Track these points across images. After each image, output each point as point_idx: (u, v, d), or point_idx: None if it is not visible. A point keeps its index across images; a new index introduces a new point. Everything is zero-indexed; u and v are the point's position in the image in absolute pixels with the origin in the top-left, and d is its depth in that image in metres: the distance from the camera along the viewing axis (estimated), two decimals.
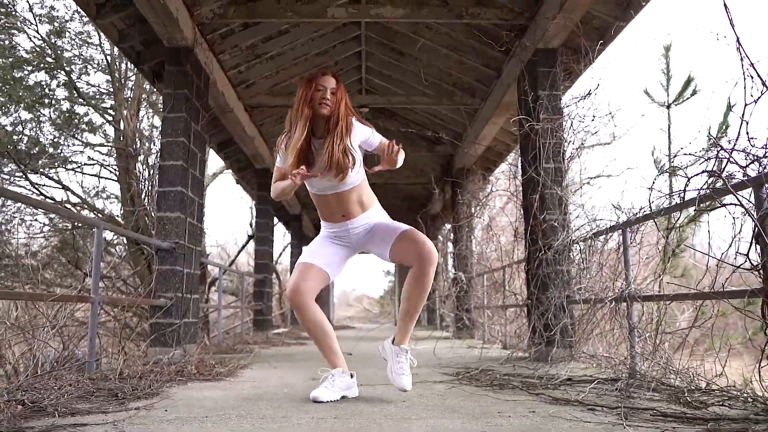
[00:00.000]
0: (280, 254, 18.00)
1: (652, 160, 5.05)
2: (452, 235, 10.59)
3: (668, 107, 5.27)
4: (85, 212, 7.24)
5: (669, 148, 5.11)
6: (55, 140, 7.37)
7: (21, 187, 6.77)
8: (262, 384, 3.44)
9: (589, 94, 4.89)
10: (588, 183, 5.10)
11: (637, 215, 3.63)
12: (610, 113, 4.78)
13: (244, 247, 14.94)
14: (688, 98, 5.11)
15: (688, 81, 5.09)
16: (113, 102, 7.56)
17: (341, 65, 7.95)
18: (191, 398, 2.83)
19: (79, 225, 6.60)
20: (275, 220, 12.45)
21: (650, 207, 3.57)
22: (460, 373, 3.90)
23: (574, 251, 4.57)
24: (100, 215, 7.27)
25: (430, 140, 9.42)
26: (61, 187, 7.07)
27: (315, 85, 2.62)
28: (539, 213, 4.75)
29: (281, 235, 19.26)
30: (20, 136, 6.86)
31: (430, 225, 13.36)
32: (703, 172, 2.85)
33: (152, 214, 5.01)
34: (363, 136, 2.71)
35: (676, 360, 3.32)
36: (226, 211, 50.39)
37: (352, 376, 2.79)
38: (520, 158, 5.68)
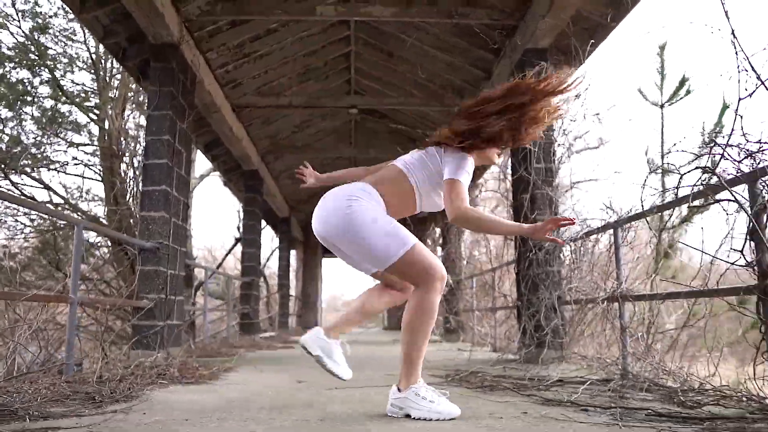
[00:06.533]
0: (268, 258, 17.84)
1: (645, 160, 5.01)
2: (441, 237, 10.53)
3: (662, 107, 5.25)
4: (67, 212, 7.09)
5: (662, 148, 5.08)
6: (38, 139, 7.23)
7: (1, 187, 6.61)
8: (246, 386, 3.35)
9: (578, 95, 4.85)
10: (576, 186, 5.07)
11: (629, 214, 3.59)
12: (597, 114, 4.75)
13: (231, 250, 14.79)
14: (682, 98, 5.09)
15: (683, 80, 5.05)
16: (98, 101, 7.43)
17: (330, 66, 7.87)
18: (172, 401, 2.74)
19: (61, 225, 6.45)
20: (263, 223, 12.31)
21: (642, 205, 3.53)
22: (449, 375, 3.83)
23: (565, 252, 4.51)
24: (83, 216, 7.13)
25: (420, 141, 9.35)
26: (43, 186, 6.93)
27: None
28: (530, 213, 4.70)
29: (269, 239, 19.05)
30: (0, 134, 6.72)
31: (418, 227, 13.27)
32: (696, 168, 2.81)
33: (136, 214, 4.90)
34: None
35: (668, 361, 3.27)
36: (213, 215, 50.02)
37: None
38: (510, 159, 5.64)
